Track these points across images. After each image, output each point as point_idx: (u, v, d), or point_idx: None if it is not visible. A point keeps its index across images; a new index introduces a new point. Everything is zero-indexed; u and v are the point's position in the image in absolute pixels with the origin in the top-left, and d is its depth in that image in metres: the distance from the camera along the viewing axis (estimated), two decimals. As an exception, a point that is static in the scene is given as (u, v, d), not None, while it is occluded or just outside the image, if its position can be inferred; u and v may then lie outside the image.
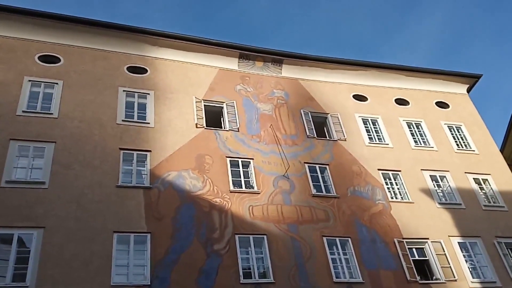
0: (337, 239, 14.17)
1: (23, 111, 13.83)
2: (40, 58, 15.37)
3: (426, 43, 59.43)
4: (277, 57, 18.65)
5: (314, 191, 15.15)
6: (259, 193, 14.45)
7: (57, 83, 14.87)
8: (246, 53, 18.26)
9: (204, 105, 16.34)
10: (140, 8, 55.96)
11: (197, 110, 15.94)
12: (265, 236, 13.50)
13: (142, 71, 16.50)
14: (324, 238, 14.01)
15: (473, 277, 14.61)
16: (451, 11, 57.19)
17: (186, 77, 16.94)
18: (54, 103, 14.36)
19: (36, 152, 13.13)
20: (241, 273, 12.51)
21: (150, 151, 14.26)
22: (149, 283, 11.62)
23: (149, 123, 15.01)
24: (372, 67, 19.95)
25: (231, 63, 18.08)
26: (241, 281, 12.37)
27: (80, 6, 51.23)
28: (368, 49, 58.22)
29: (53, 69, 15.26)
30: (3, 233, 11.38)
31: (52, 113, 14.07)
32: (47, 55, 15.54)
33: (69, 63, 15.60)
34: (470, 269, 14.80)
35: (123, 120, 14.74)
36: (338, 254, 13.89)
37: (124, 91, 15.56)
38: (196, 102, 16.18)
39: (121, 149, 13.98)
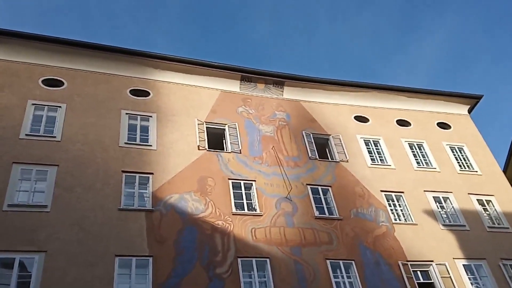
0: (341, 262, 14.03)
1: (26, 135, 13.88)
2: (43, 81, 15.51)
3: (427, 64, 59.91)
4: (279, 79, 18.81)
5: (317, 213, 15.07)
6: (261, 215, 14.38)
7: (60, 107, 14.96)
8: (248, 76, 18.41)
9: (206, 127, 16.40)
10: (143, 32, 56.74)
11: (199, 132, 15.98)
12: (268, 259, 13.38)
13: (145, 94, 16.62)
14: (328, 261, 13.87)
15: (479, 300, 14.41)
16: (452, 32, 57.82)
17: (188, 100, 17.05)
18: (57, 126, 14.42)
19: (39, 175, 13.12)
20: (244, 298, 12.36)
21: (152, 173, 14.25)
22: (151, 308, 11.47)
23: (151, 145, 15.04)
24: (373, 88, 20.06)
25: (233, 85, 18.22)
26: (244, 306, 12.21)
27: (83, 30, 51.94)
28: (369, 70, 58.72)
29: (56, 92, 15.38)
30: (4, 257, 11.28)
31: (55, 136, 14.12)
32: (51, 78, 15.68)
33: (72, 86, 15.73)
34: (476, 292, 14.61)
35: (125, 143, 14.77)
36: (342, 277, 13.73)
37: (126, 113, 15.64)
38: (198, 124, 16.24)
39: (123, 171, 13.98)
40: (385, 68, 61.16)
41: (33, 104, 14.75)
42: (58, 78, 15.78)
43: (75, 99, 15.39)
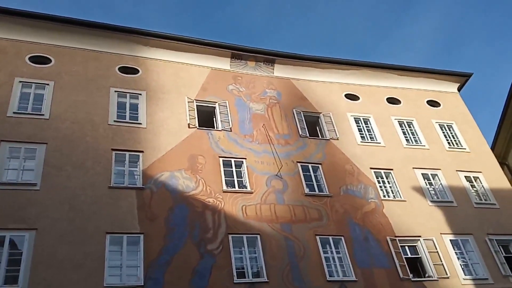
0: (330, 238, 14.22)
1: (14, 112, 13.74)
2: (31, 59, 15.28)
3: (422, 43, 59.81)
4: (269, 57, 18.68)
5: (307, 190, 15.19)
6: (252, 193, 14.47)
7: (48, 84, 14.78)
8: (238, 53, 18.26)
9: (197, 105, 16.33)
10: (135, 8, 55.79)
11: (189, 110, 15.92)
12: (258, 236, 13.52)
13: (134, 71, 16.45)
14: (317, 237, 14.05)
15: (465, 274, 14.71)
16: (447, 11, 57.58)
17: (178, 77, 16.92)
18: (45, 104, 14.27)
19: (28, 153, 13.04)
20: (234, 273, 12.52)
21: (142, 151, 14.22)
22: (143, 284, 11.58)
23: (141, 123, 14.97)
24: (364, 66, 20.03)
25: (223, 63, 18.08)
26: (234, 281, 12.37)
27: (74, 6, 50.97)
28: (364, 49, 58.46)
29: (44, 70, 15.17)
30: (-6, 235, 11.29)
31: (43, 114, 13.99)
32: (38, 56, 15.44)
33: (60, 64, 15.52)
34: (462, 266, 14.90)
35: (115, 121, 14.68)
36: (331, 253, 13.94)
37: (116, 91, 15.51)
38: (188, 102, 16.16)
39: (113, 150, 13.93)
40: (380, 46, 61.04)
41: (20, 81, 14.56)
42: (46, 55, 15.54)
43: (63, 76, 15.21)
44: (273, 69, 18.75)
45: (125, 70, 16.34)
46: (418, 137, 18.63)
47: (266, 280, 12.65)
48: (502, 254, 15.56)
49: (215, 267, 12.46)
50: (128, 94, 15.64)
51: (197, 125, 15.69)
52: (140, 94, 15.79)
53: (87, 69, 15.74)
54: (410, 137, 18.55)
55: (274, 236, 13.65)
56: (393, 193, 16.36)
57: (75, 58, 15.89)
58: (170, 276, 11.93)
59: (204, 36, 17.88)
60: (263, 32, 60.52)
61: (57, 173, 12.87)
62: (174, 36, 17.39)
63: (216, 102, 16.71)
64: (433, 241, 15.14)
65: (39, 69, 15.12)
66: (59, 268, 11.23)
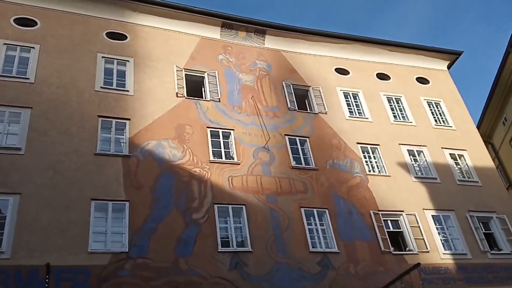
0: (315, 210, 14.37)
1: (-2, 75, 13.46)
2: (16, 21, 14.87)
3: (415, 21, 59.52)
4: (260, 28, 18.43)
5: (293, 163, 15.25)
6: (239, 164, 14.49)
7: (33, 47, 14.45)
8: (229, 22, 17.97)
9: (185, 74, 16.12)
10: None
11: (177, 79, 15.73)
12: (244, 206, 13.60)
13: (122, 37, 16.13)
14: (302, 209, 14.19)
15: (445, 249, 15.04)
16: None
17: (167, 45, 16.64)
18: (30, 67, 13.97)
19: (12, 117, 12.84)
20: (219, 242, 12.64)
21: (129, 119, 14.09)
22: (127, 251, 11.65)
23: (128, 91, 14.77)
24: (355, 40, 19.89)
25: (214, 32, 17.80)
26: (219, 250, 12.50)
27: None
28: (357, 26, 57.95)
29: (29, 32, 14.80)
30: (-23, 199, 11.21)
31: (28, 78, 13.72)
32: (24, 18, 15.03)
33: (46, 26, 15.15)
34: (443, 241, 15.21)
35: (101, 87, 14.47)
36: (315, 225, 14.11)
37: (103, 57, 15.23)
38: (177, 71, 15.95)
39: (99, 116, 13.78)
40: (374, 23, 60.57)
41: (5, 43, 14.21)
42: (31, 18, 15.14)
43: (49, 40, 14.86)
44: (264, 40, 18.53)
45: (113, 35, 16.01)
46: (406, 114, 18.70)
47: (250, 250, 12.81)
48: (482, 230, 15.91)
49: (200, 236, 12.55)
50: (115, 60, 15.37)
51: (185, 94, 15.54)
52: (128, 61, 15.53)
53: (73, 33, 15.39)
54: (397, 113, 18.61)
55: (259, 207, 13.75)
56: (378, 168, 16.51)
57: (61, 22, 15.51)
58: (154, 243, 12.00)
59: (194, 4, 17.46)
60: (255, 3, 59.58)
61: (42, 138, 12.72)
62: (163, 3, 17.00)
63: (205, 72, 16.52)
64: (415, 216, 15.40)
65: (24, 32, 14.74)
66: (43, 233, 11.22)
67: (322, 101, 17.54)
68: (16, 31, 14.65)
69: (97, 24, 16.01)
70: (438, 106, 19.65)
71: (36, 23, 15.10)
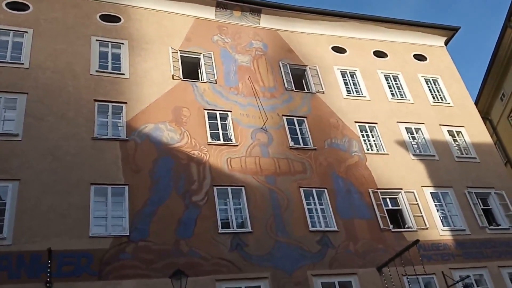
0: (314, 190, 14.42)
1: (-8, 61, 13.32)
2: (8, 5, 14.67)
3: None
4: (255, 7, 18.19)
5: (291, 144, 15.24)
6: (237, 146, 14.47)
7: (26, 32, 14.28)
8: (224, 2, 17.71)
9: (181, 56, 15.97)
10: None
11: (173, 61, 15.59)
12: (243, 188, 13.64)
13: (115, 19, 15.93)
14: (301, 189, 14.24)
15: (443, 226, 15.16)
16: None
17: (161, 26, 16.45)
18: (24, 52, 13.83)
19: (8, 103, 12.77)
20: (219, 224, 12.72)
21: (125, 103, 14.01)
22: (128, 234, 11.72)
23: (124, 74, 14.66)
24: (352, 18, 19.67)
25: (208, 13, 17.58)
26: (219, 231, 12.58)
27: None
28: (355, 2, 57.17)
29: (22, 17, 14.60)
30: (-23, 186, 11.21)
31: (23, 63, 13.58)
32: (15, 1, 14.81)
33: (38, 10, 14.94)
34: (441, 218, 15.33)
35: (97, 71, 14.35)
36: (315, 204, 14.19)
37: (97, 40, 15.07)
38: (172, 52, 15.80)
39: (95, 100, 13.70)
40: (372, 0, 59.72)
41: (-3, 29, 14.04)
42: (23, 1, 14.91)
43: (42, 24, 14.68)
44: (259, 19, 18.32)
45: (106, 18, 15.81)
46: (403, 91, 18.63)
47: (250, 231, 12.89)
48: (480, 206, 16.02)
49: (200, 217, 12.62)
50: (109, 43, 15.21)
51: (181, 76, 15.42)
52: (123, 44, 15.37)
53: (66, 17, 15.19)
54: (395, 91, 18.54)
55: (258, 188, 13.79)
56: (376, 146, 16.52)
57: (54, 5, 15.29)
58: (155, 226, 12.07)
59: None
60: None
61: (39, 123, 12.66)
62: (157, -17, 16.74)
63: (200, 53, 16.37)
64: (413, 194, 15.47)
65: (16, 16, 14.55)
66: (44, 218, 11.26)
67: (319, 81, 17.44)
68: (8, 15, 14.45)
69: (90, 7, 15.79)
70: (436, 83, 19.57)
71: (28, 7, 14.89)
